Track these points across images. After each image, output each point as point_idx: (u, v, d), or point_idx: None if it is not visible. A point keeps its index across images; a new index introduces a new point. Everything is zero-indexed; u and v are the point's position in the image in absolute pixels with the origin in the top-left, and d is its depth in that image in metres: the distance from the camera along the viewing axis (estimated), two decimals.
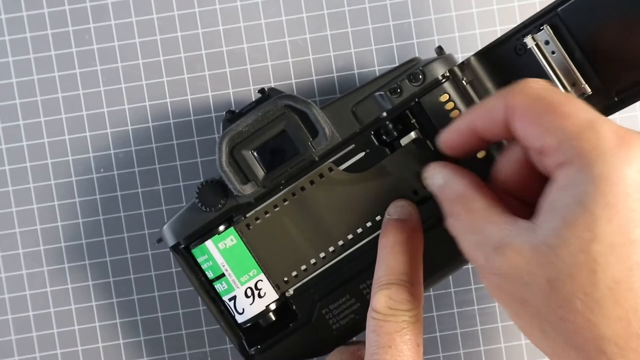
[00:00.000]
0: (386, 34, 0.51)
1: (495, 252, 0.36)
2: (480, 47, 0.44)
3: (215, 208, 0.43)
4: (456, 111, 0.43)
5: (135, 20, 0.51)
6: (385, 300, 0.40)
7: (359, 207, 0.43)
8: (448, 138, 0.41)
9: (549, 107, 0.35)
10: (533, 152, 0.37)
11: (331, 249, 0.44)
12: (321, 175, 0.43)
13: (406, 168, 0.43)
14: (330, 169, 0.43)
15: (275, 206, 0.44)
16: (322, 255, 0.44)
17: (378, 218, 0.43)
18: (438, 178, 0.41)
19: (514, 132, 0.37)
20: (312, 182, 0.43)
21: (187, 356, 0.51)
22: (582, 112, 0.35)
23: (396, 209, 0.43)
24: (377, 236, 0.43)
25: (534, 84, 0.37)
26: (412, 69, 0.43)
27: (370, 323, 0.40)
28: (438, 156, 0.42)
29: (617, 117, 0.50)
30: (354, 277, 0.44)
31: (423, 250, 0.42)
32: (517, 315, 0.37)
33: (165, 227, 0.44)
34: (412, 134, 0.43)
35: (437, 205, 0.40)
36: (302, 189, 0.43)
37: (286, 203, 0.43)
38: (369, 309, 0.41)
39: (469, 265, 0.51)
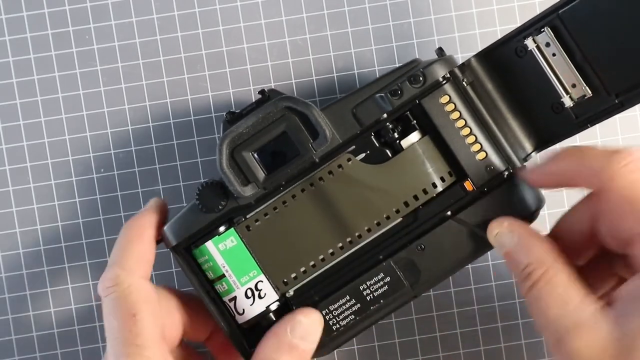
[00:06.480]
0: (386, 34, 0.51)
1: (572, 332, 0.36)
2: (480, 48, 0.44)
3: (215, 209, 0.43)
4: (456, 113, 0.43)
5: (135, 20, 0.51)
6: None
7: (374, 200, 0.43)
8: (536, 174, 0.42)
9: None
10: (612, 238, 0.39)
11: (339, 244, 0.44)
12: (340, 166, 0.43)
13: (424, 162, 0.43)
14: (349, 160, 0.43)
15: (285, 201, 0.44)
16: (324, 255, 0.44)
17: (395, 209, 0.43)
18: (510, 237, 0.41)
19: (599, 211, 0.39)
20: (331, 173, 0.43)
21: None
22: None
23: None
24: (382, 235, 0.44)
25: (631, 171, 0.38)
26: (412, 70, 0.43)
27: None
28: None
29: (617, 117, 0.50)
30: (355, 278, 0.44)
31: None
32: None
33: (165, 228, 0.44)
34: (413, 135, 0.43)
35: (443, 201, 0.42)
36: (321, 179, 0.43)
37: (296, 198, 0.43)
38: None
39: (469, 265, 0.51)
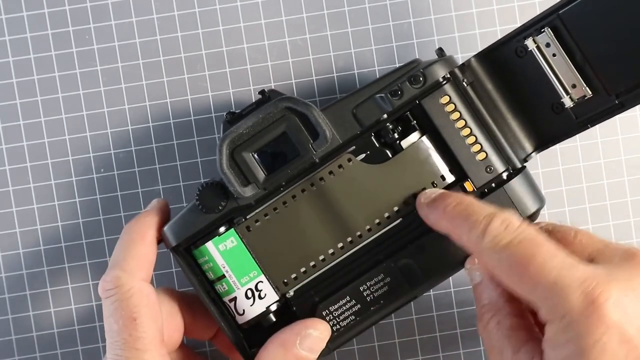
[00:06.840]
0: (386, 34, 0.51)
1: None
2: (480, 48, 0.44)
3: (215, 210, 0.43)
4: (456, 113, 0.43)
5: (135, 20, 0.51)
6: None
7: (374, 199, 0.43)
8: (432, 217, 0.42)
9: (520, 268, 0.37)
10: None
11: (340, 244, 0.44)
12: (340, 167, 0.43)
13: (424, 162, 0.43)
14: (350, 160, 0.43)
15: (285, 202, 0.43)
16: (325, 255, 0.44)
17: (395, 208, 0.43)
18: (476, 275, 0.42)
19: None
20: (331, 173, 0.43)
21: None
22: (551, 270, 0.36)
23: None
24: (383, 235, 0.44)
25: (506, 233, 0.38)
26: (412, 70, 0.43)
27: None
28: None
29: (617, 117, 0.50)
30: (355, 279, 0.44)
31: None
32: None
33: (165, 228, 0.44)
34: (413, 136, 0.43)
35: None
36: (321, 179, 0.43)
37: (296, 198, 0.43)
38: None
39: None
